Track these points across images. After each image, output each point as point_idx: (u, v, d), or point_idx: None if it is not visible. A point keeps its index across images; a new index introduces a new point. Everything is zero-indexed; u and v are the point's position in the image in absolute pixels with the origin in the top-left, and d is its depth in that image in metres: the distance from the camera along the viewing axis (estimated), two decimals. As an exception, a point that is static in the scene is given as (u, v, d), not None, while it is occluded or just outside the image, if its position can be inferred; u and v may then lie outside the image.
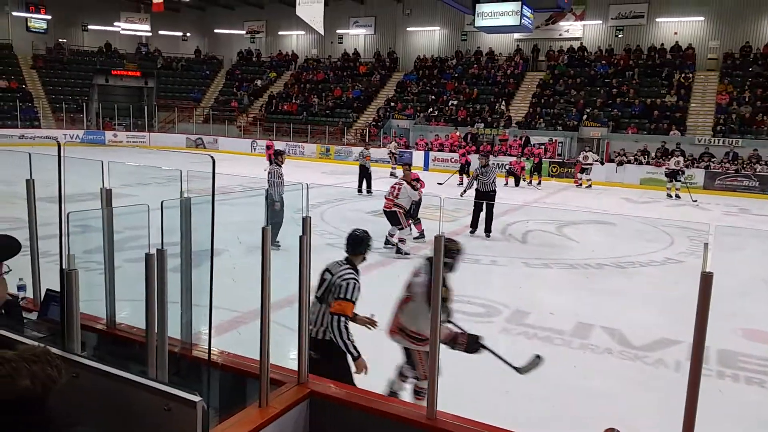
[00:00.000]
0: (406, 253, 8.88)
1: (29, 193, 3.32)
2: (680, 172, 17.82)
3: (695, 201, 16.08)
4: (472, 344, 3.76)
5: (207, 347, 2.68)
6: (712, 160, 20.40)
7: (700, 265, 2.10)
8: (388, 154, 21.73)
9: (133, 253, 2.82)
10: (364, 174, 15.67)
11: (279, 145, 23.72)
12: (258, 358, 2.44)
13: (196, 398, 1.89)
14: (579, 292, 7.64)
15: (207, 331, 2.63)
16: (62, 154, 2.80)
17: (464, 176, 18.87)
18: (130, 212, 2.79)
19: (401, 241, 8.97)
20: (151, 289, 2.37)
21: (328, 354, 3.51)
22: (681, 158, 18.19)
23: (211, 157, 2.51)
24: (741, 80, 22.94)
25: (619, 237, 11.71)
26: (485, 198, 10.60)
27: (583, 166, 19.96)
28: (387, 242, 9.22)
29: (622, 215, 13.99)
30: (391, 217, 9.08)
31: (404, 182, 9.33)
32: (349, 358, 3.58)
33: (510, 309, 6.59)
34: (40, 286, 3.45)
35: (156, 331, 2.45)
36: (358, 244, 3.80)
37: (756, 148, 20.07)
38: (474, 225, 10.54)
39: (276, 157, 9.55)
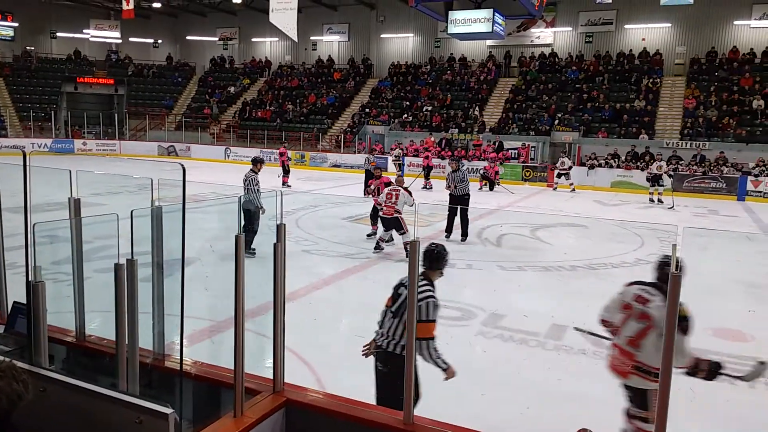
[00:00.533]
0: None
1: (-6, 203, 3.25)
2: (668, 175, 18.04)
3: (670, 207, 16.40)
4: (713, 372, 3.49)
5: (179, 358, 2.64)
6: (680, 162, 20.87)
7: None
8: (393, 161, 21.93)
9: (103, 263, 2.77)
10: (369, 178, 16.18)
11: (253, 152, 23.62)
12: (232, 368, 2.42)
13: (168, 410, 1.87)
14: (553, 294, 7.72)
15: (179, 342, 2.59)
16: (28, 164, 2.75)
17: (428, 181, 19.73)
18: (99, 222, 2.74)
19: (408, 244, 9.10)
20: (121, 299, 2.34)
21: (399, 369, 3.51)
22: (663, 163, 18.45)
23: (181, 165, 2.48)
24: (707, 85, 23.52)
25: (592, 239, 11.88)
26: (459, 202, 10.68)
27: (561, 172, 20.25)
28: (377, 246, 9.40)
29: (594, 218, 14.19)
30: (394, 223, 9.33)
31: (400, 188, 9.57)
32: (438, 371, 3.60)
33: (486, 312, 6.63)
34: (7, 299, 3.37)
35: (126, 342, 2.41)
36: (435, 260, 3.74)
37: (722, 151, 20.59)
38: (449, 229, 10.60)
39: (254, 165, 9.52)
